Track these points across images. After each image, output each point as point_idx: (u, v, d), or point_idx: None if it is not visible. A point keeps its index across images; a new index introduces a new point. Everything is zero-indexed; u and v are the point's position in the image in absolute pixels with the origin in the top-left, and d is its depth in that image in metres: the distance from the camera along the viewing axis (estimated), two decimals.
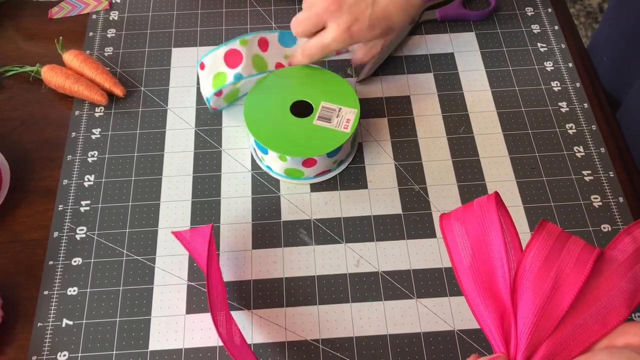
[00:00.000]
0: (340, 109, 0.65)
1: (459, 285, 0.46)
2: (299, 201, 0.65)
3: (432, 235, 0.62)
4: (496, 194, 0.48)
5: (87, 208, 0.64)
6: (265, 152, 0.63)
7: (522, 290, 0.43)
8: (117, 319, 0.58)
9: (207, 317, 0.58)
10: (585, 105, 0.72)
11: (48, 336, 0.57)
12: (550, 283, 0.44)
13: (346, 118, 0.64)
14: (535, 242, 0.44)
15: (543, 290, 0.44)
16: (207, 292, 0.53)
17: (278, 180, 0.66)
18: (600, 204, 0.65)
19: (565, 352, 0.42)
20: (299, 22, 0.64)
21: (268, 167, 0.66)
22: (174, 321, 0.58)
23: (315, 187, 0.66)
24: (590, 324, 0.43)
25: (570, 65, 0.75)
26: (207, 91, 0.67)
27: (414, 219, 0.63)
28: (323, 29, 0.64)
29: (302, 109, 0.65)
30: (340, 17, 0.62)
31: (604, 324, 0.43)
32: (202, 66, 0.67)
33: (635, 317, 0.58)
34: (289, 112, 0.65)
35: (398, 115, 0.71)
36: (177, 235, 0.59)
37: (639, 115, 0.69)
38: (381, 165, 0.67)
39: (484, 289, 0.45)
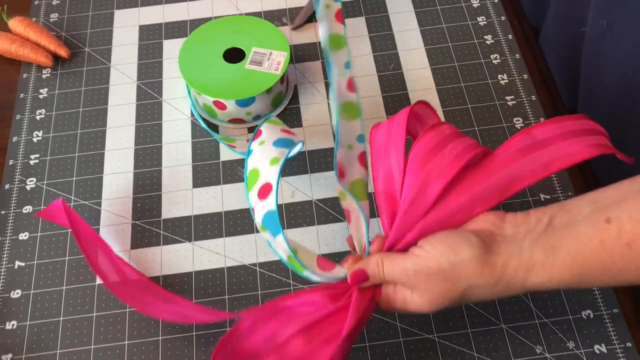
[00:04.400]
0: (271, 52, 0.68)
1: (374, 188, 0.51)
2: (236, 142, 0.68)
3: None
4: (414, 105, 0.51)
5: (37, 161, 0.67)
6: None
7: (405, 182, 0.47)
8: (67, 258, 0.61)
9: (151, 250, 0.62)
10: (510, 36, 0.75)
11: (2, 277, 0.60)
12: (425, 175, 0.47)
13: (277, 61, 0.68)
14: (422, 138, 0.48)
15: (418, 181, 0.47)
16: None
17: (216, 126, 0.69)
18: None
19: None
20: None
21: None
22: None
23: (251, 130, 0.69)
24: (457, 213, 0.47)
25: (496, 0, 0.78)
26: None
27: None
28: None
29: (235, 56, 0.69)
30: None
31: (470, 212, 0.47)
32: None
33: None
34: (222, 59, 0.68)
35: None
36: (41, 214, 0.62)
37: (556, 38, 0.72)
38: (315, 105, 0.70)
39: (385, 191, 0.49)
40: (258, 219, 0.54)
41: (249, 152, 0.59)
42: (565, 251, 0.43)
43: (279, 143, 0.58)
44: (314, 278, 0.50)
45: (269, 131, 0.59)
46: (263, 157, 0.57)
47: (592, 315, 0.57)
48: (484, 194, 0.46)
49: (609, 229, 0.41)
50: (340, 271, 0.50)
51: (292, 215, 0.63)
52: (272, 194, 0.53)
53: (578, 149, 0.47)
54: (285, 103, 0.70)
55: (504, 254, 0.44)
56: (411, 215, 0.47)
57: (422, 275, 0.45)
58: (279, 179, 0.53)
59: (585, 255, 0.42)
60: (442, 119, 0.68)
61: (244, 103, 0.66)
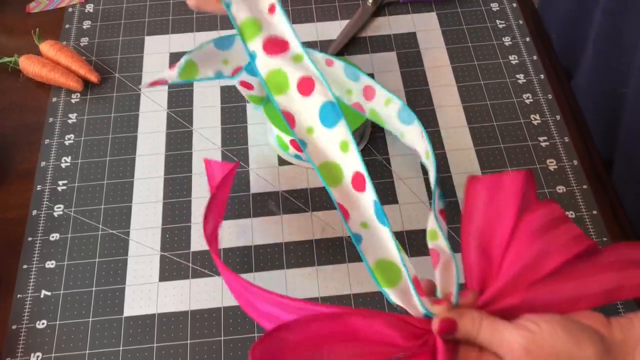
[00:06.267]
0: None
1: (461, 240, 0.47)
2: (267, 174, 0.67)
3: (394, 201, 0.65)
4: (526, 172, 0.48)
5: (65, 187, 0.67)
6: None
7: (512, 245, 0.45)
8: (94, 289, 0.60)
9: (180, 283, 0.61)
10: (542, 76, 0.75)
11: (27, 306, 0.59)
12: (541, 245, 0.45)
13: None
14: (537, 210, 0.46)
15: (532, 249, 0.45)
16: (207, 206, 0.54)
17: (247, 156, 0.69)
18: (556, 167, 0.67)
19: (529, 311, 0.43)
20: None
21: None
22: (147, 289, 0.60)
23: (282, 161, 0.68)
24: (563, 296, 0.44)
25: (528, 39, 0.78)
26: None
27: (376, 187, 0.66)
28: None
29: None
30: None
31: (575, 303, 0.44)
32: None
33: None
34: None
35: None
36: (206, 163, 0.61)
37: (590, 83, 0.72)
38: None
39: (479, 246, 0.46)
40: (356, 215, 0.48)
41: (303, 144, 0.51)
42: None
43: (325, 117, 0.50)
44: (392, 298, 0.46)
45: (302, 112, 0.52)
46: (329, 145, 0.51)
47: None
48: (591, 290, 0.44)
49: None
50: (426, 307, 0.45)
51: (323, 251, 0.62)
52: (368, 183, 0.48)
53: None
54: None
55: None
56: (517, 281, 0.44)
57: (530, 354, 0.41)
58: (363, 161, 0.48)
59: None
60: (475, 157, 0.68)
61: None
